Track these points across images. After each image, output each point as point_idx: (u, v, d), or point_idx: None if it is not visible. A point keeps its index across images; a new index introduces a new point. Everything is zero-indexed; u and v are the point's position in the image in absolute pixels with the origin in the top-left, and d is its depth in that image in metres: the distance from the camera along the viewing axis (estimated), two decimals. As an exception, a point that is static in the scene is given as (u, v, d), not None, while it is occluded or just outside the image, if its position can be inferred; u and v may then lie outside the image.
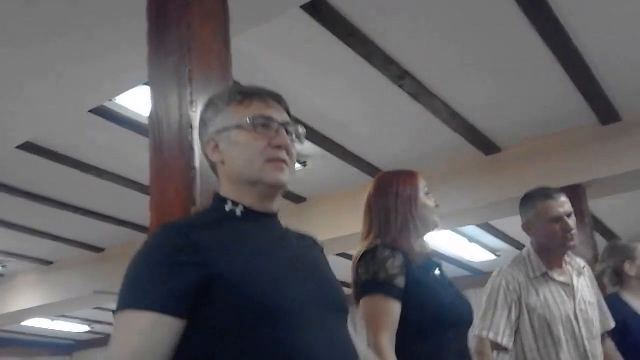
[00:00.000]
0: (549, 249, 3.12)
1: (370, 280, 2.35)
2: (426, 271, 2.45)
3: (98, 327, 12.98)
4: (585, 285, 3.17)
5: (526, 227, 3.21)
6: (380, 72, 4.60)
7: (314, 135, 5.52)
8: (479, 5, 4.03)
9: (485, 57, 4.62)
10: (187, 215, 2.00)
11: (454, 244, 8.48)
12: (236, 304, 1.46)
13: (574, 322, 3.00)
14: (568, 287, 3.10)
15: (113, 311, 1.50)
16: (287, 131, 1.70)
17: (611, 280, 3.85)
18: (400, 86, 4.81)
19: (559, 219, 3.07)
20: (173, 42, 2.23)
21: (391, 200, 2.52)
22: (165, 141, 2.16)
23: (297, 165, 5.97)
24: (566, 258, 3.18)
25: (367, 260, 2.39)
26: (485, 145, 5.97)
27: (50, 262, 8.82)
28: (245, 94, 1.72)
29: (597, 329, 3.09)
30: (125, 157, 5.77)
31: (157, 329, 1.43)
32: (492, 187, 5.85)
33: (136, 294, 1.47)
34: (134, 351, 1.42)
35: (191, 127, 2.10)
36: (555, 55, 4.51)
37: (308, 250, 1.79)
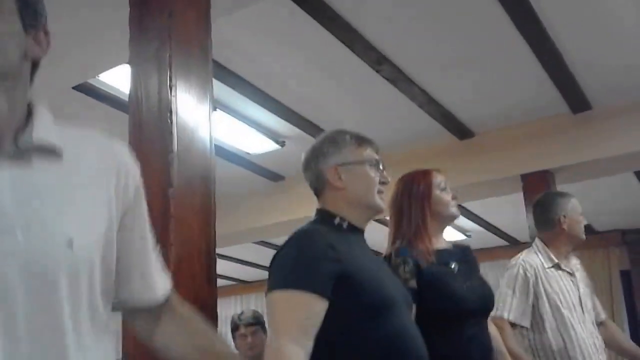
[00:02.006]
0: (568, 240, 3.47)
1: None
2: (441, 266, 2.59)
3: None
4: (581, 278, 3.51)
5: (558, 223, 3.45)
6: (360, 57, 4.60)
7: (292, 117, 5.53)
8: (456, -6, 4.04)
9: (463, 47, 4.64)
10: (164, 196, 2.02)
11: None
12: (363, 294, 1.93)
13: (578, 308, 3.32)
14: (573, 277, 3.44)
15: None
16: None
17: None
18: (378, 71, 4.81)
19: (582, 213, 3.50)
20: (154, 28, 2.23)
21: (405, 201, 2.71)
22: (144, 124, 2.16)
23: (276, 145, 6.00)
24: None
25: None
26: (460, 130, 6.00)
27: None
28: (362, 140, 2.25)
29: (594, 318, 3.45)
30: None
31: (314, 305, 1.86)
32: (465, 171, 5.88)
33: (297, 279, 1.89)
34: (299, 320, 1.83)
35: (170, 111, 2.10)
36: (530, 46, 4.54)
37: (381, 259, 2.41)
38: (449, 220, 2.77)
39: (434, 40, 4.55)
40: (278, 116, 5.49)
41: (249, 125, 5.65)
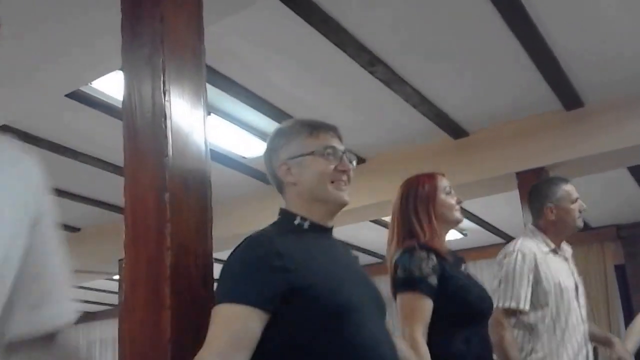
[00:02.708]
0: (560, 230, 3.42)
1: (407, 278, 2.55)
2: (456, 268, 2.65)
3: (75, 305, 12.93)
4: (574, 265, 3.51)
5: (549, 210, 3.41)
6: (353, 59, 4.60)
7: (286, 120, 5.50)
8: (447, -6, 4.04)
9: (455, 46, 4.65)
10: (159, 201, 2.02)
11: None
12: (314, 303, 1.78)
13: (574, 293, 3.32)
14: (568, 263, 3.45)
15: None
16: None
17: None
18: (371, 73, 4.82)
19: (577, 200, 3.43)
20: (147, 33, 2.22)
21: (410, 204, 2.72)
22: (139, 130, 2.16)
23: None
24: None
25: (405, 259, 2.59)
26: (453, 130, 6.01)
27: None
28: (313, 127, 2.06)
29: (584, 303, 3.43)
30: (100, 139, 5.74)
31: (250, 320, 1.73)
32: (460, 170, 5.88)
33: (235, 291, 1.78)
34: (231, 334, 1.71)
35: (165, 116, 2.10)
36: (522, 44, 4.55)
37: (352, 258, 2.17)
38: (453, 224, 2.80)
39: (427, 41, 4.56)
40: (272, 119, 5.49)
41: (243, 129, 5.65)
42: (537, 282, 3.24)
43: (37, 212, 1.28)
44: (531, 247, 3.32)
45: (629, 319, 8.70)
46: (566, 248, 3.53)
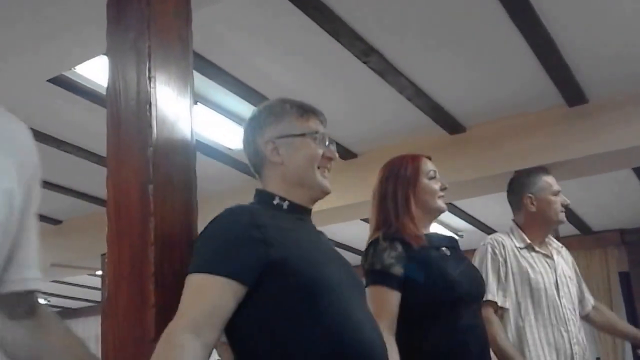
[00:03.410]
0: (541, 223, 3.37)
1: (369, 271, 2.52)
2: (431, 251, 2.53)
3: (55, 301, 12.92)
4: (563, 263, 3.41)
5: (528, 200, 3.37)
6: (346, 48, 4.60)
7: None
8: (447, -17, 4.05)
9: (454, 37, 4.65)
10: (143, 193, 2.02)
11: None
12: (293, 279, 1.78)
13: (555, 292, 3.23)
14: (550, 259, 3.34)
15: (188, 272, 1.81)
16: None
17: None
18: (365, 63, 4.82)
19: (558, 192, 3.36)
20: (132, 18, 2.22)
21: (390, 185, 2.64)
22: (123, 118, 2.16)
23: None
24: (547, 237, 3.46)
25: (368, 252, 2.56)
26: (450, 124, 6.01)
27: (6, 234, 8.72)
28: (303, 110, 2.11)
29: (574, 304, 3.33)
30: (84, 127, 5.73)
31: (226, 292, 1.73)
32: (457, 168, 5.88)
33: (211, 261, 1.78)
34: (205, 307, 1.71)
35: (150, 104, 2.10)
36: (525, 37, 4.55)
37: (328, 242, 2.14)
38: (435, 212, 2.69)
39: (423, 31, 4.56)
40: (261, 109, 5.49)
41: (229, 118, 5.65)
42: (505, 276, 3.23)
43: (31, 175, 1.40)
44: (502, 241, 3.31)
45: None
46: (556, 245, 3.49)
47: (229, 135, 5.94)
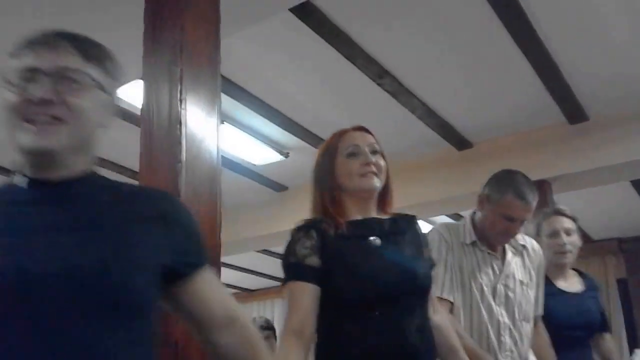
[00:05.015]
0: (483, 233, 2.85)
1: (283, 264, 2.10)
2: (349, 241, 2.06)
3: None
4: (520, 265, 2.91)
5: (480, 199, 2.88)
6: (361, 71, 4.66)
7: (296, 129, 5.61)
8: (454, 8, 4.08)
9: (461, 59, 4.69)
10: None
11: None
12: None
13: (491, 295, 2.76)
14: (497, 260, 2.84)
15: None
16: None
17: None
18: (379, 85, 4.87)
19: (511, 219, 2.77)
20: (167, 43, 2.28)
21: (316, 168, 2.22)
22: (155, 136, 2.21)
23: (280, 157, 6.06)
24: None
25: (285, 246, 2.12)
26: (458, 141, 6.04)
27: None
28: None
29: (524, 310, 2.84)
30: (120, 145, 5.77)
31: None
32: (463, 181, 5.88)
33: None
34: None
35: (180, 123, 2.15)
36: (527, 57, 4.58)
37: None
38: (359, 193, 2.13)
39: (433, 53, 4.60)
40: (282, 128, 5.55)
41: (254, 137, 5.72)
42: (447, 267, 2.74)
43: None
44: (442, 232, 2.84)
45: (631, 335, 8.49)
46: (517, 245, 2.94)
47: (253, 152, 6.01)
